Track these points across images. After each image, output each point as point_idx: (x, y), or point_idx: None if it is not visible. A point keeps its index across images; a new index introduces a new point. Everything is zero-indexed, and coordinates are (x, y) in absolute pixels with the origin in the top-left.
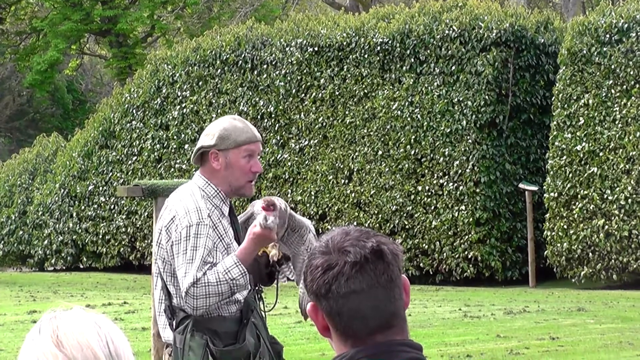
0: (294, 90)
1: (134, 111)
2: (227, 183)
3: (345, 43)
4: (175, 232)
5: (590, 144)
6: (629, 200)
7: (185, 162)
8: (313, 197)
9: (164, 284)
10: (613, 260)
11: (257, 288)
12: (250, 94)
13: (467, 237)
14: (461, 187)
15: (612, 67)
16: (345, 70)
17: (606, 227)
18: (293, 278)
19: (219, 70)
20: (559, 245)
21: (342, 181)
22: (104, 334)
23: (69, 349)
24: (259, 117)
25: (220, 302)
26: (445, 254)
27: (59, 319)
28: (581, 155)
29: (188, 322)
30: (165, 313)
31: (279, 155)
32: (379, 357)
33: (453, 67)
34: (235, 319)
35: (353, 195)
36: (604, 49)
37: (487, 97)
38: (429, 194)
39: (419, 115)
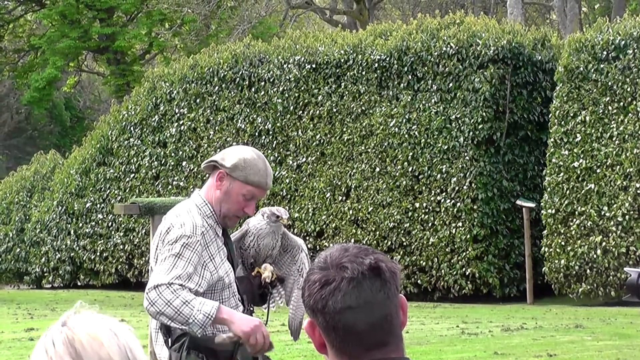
0: (291, 107)
1: (132, 128)
2: (219, 207)
3: (342, 60)
4: (167, 238)
5: (587, 161)
6: (627, 217)
7: (183, 179)
8: (310, 214)
9: None
10: (611, 277)
11: (249, 308)
12: (248, 111)
13: (464, 253)
14: (458, 204)
15: (609, 84)
16: (342, 87)
17: (604, 243)
18: (282, 303)
19: (217, 88)
20: (556, 261)
21: (340, 198)
22: (123, 343)
23: None
24: (256, 134)
25: (170, 323)
26: (442, 270)
27: (73, 329)
28: (578, 172)
29: (184, 340)
30: (161, 331)
31: (277, 173)
32: None
33: (450, 84)
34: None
35: (350, 212)
36: (601, 65)
37: (484, 114)
38: (427, 210)
39: (416, 132)
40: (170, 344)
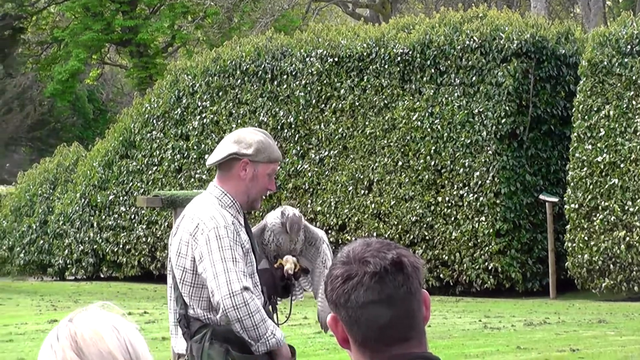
0: (314, 101)
1: (154, 121)
2: (245, 194)
3: (365, 54)
4: (202, 236)
5: (611, 156)
6: None
7: (205, 172)
8: (333, 208)
9: (181, 294)
10: (634, 272)
11: (272, 300)
12: (270, 104)
13: (487, 248)
14: (481, 198)
15: (633, 78)
16: (365, 80)
17: (627, 238)
18: (310, 290)
19: (239, 81)
20: (579, 256)
21: (362, 192)
22: (123, 338)
23: (90, 356)
24: (278, 127)
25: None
26: (465, 265)
27: (77, 324)
28: (602, 167)
29: (206, 332)
30: (181, 323)
31: (299, 166)
32: None
33: (473, 78)
34: None
35: (373, 206)
36: (625, 60)
37: (507, 108)
38: (449, 205)
39: (439, 126)
40: (190, 336)
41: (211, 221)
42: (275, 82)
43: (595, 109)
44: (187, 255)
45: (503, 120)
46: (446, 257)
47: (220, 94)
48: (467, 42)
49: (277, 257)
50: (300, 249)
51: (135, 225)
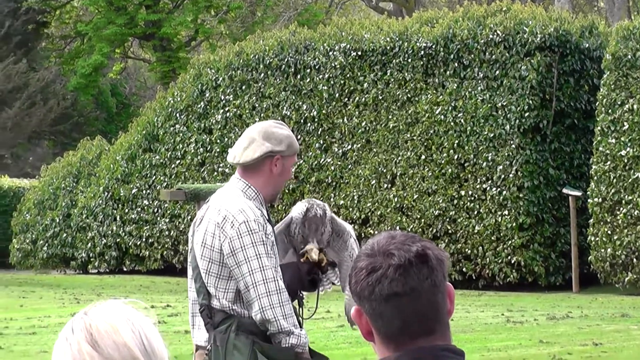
0: (337, 95)
1: (178, 115)
2: (272, 187)
3: (388, 47)
4: (232, 229)
5: (634, 149)
6: None
7: (228, 166)
8: (356, 202)
9: (203, 284)
10: None
11: (299, 295)
12: (294, 98)
13: (510, 242)
14: (504, 192)
15: None
16: (388, 74)
17: None
18: (338, 283)
19: (262, 75)
20: (602, 250)
21: (385, 185)
22: (138, 330)
23: (105, 348)
24: (301, 121)
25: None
26: (488, 258)
27: (92, 317)
28: (625, 161)
29: (231, 323)
30: (203, 314)
31: (322, 160)
32: None
33: (497, 72)
34: None
35: (396, 199)
36: None
37: (530, 101)
38: (472, 198)
39: (462, 120)
40: (214, 326)
41: (241, 214)
42: (299, 76)
43: (619, 102)
44: (213, 246)
45: (526, 114)
46: (469, 251)
47: (244, 87)
48: (491, 36)
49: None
50: (328, 240)
51: (158, 218)
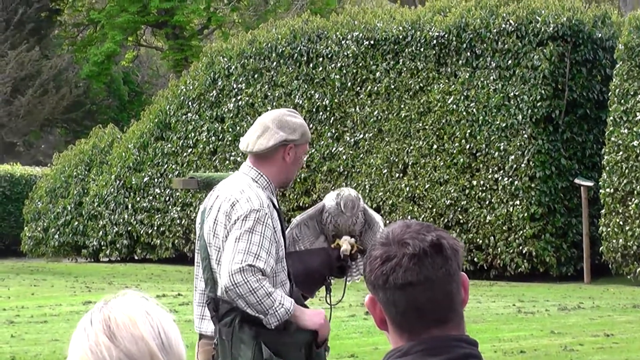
0: (349, 84)
1: (190, 103)
2: (285, 175)
3: (401, 36)
4: (235, 215)
5: None
6: None
7: (240, 154)
8: (367, 191)
9: (212, 275)
10: None
11: (327, 280)
12: (306, 86)
13: (521, 232)
14: (516, 182)
15: None
16: (400, 63)
17: None
18: (358, 279)
19: (275, 63)
20: (614, 241)
21: (397, 175)
22: (156, 325)
23: (122, 341)
24: (314, 110)
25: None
26: (499, 249)
27: (110, 309)
28: (638, 151)
29: (235, 315)
30: (209, 306)
31: (334, 149)
32: (433, 351)
33: (509, 61)
34: None
35: (407, 189)
36: None
37: (543, 91)
38: (484, 188)
39: (474, 110)
40: (219, 319)
41: (247, 203)
42: (311, 65)
43: (631, 92)
44: (221, 236)
45: (539, 104)
46: (480, 241)
47: (256, 76)
48: (503, 26)
49: (336, 237)
50: (360, 230)
51: (170, 207)
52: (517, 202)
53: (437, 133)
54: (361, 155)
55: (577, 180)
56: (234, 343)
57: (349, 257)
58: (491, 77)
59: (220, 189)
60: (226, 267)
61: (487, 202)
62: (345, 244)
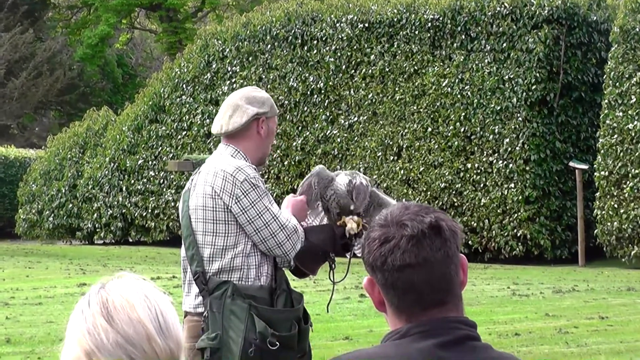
0: (343, 67)
1: (184, 86)
2: (261, 151)
3: (395, 19)
4: (236, 188)
5: None
6: None
7: None
8: (362, 174)
9: (198, 251)
10: None
11: (331, 257)
12: (300, 69)
13: (516, 215)
14: (511, 165)
15: None
16: (395, 46)
17: None
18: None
19: (269, 46)
20: (609, 224)
21: (391, 158)
22: (154, 307)
23: (120, 323)
24: (308, 92)
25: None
26: (494, 232)
27: (108, 291)
28: (632, 134)
29: (226, 288)
30: (197, 280)
31: (328, 132)
32: (432, 333)
33: (504, 44)
34: (269, 288)
35: (402, 172)
36: None
37: (538, 74)
38: (479, 171)
39: (469, 93)
40: (209, 292)
41: (240, 172)
42: (305, 48)
43: (626, 75)
44: (214, 208)
45: (533, 87)
46: (475, 224)
47: (250, 59)
48: (498, 9)
49: (341, 214)
50: (365, 210)
51: (164, 189)
52: (512, 185)
53: (431, 116)
54: (355, 138)
55: (571, 163)
56: (225, 315)
57: (354, 236)
58: (486, 60)
59: (203, 169)
60: (272, 240)
61: (482, 185)
62: (351, 222)
